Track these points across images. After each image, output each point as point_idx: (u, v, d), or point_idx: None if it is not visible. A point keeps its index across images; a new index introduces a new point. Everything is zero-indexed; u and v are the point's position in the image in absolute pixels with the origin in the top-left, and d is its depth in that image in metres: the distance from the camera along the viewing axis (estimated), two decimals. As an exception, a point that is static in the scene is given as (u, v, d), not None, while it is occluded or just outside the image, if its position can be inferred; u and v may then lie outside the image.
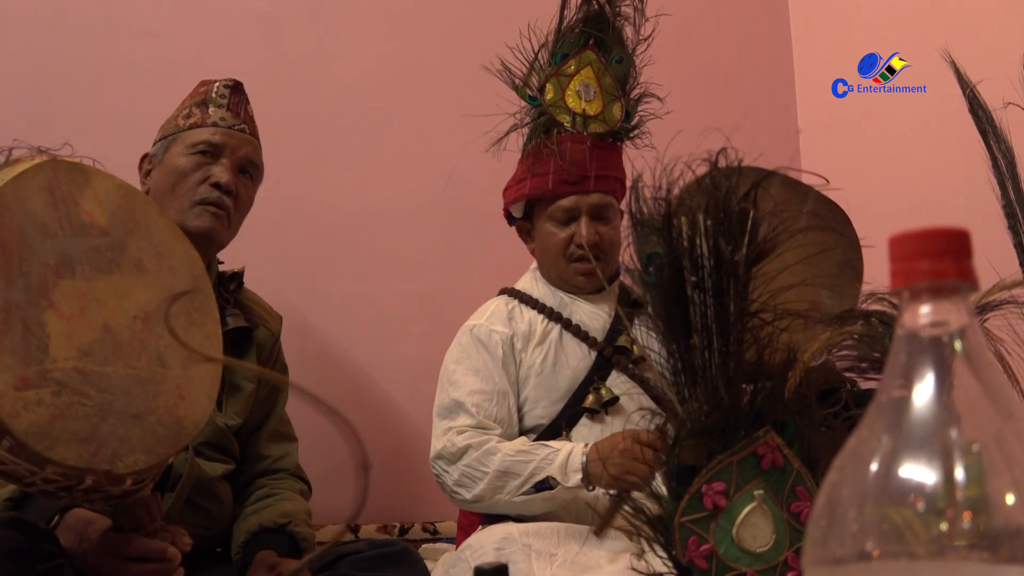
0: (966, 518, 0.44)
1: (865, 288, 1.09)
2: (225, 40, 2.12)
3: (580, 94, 1.73)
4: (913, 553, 0.44)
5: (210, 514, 1.50)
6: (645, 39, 1.76)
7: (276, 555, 1.43)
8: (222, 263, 1.63)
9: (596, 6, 1.75)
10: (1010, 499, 0.44)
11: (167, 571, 1.14)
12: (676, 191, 0.87)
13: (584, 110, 1.72)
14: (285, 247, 2.06)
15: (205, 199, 1.49)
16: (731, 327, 0.83)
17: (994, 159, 1.31)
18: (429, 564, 1.56)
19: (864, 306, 1.14)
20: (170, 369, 1.10)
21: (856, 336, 1.04)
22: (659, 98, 1.77)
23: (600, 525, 1.43)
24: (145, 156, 1.59)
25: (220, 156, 1.53)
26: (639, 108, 1.78)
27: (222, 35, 2.12)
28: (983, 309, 1.14)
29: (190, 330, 1.15)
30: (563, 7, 1.75)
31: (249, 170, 1.57)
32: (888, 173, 2.23)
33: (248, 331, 1.60)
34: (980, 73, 1.39)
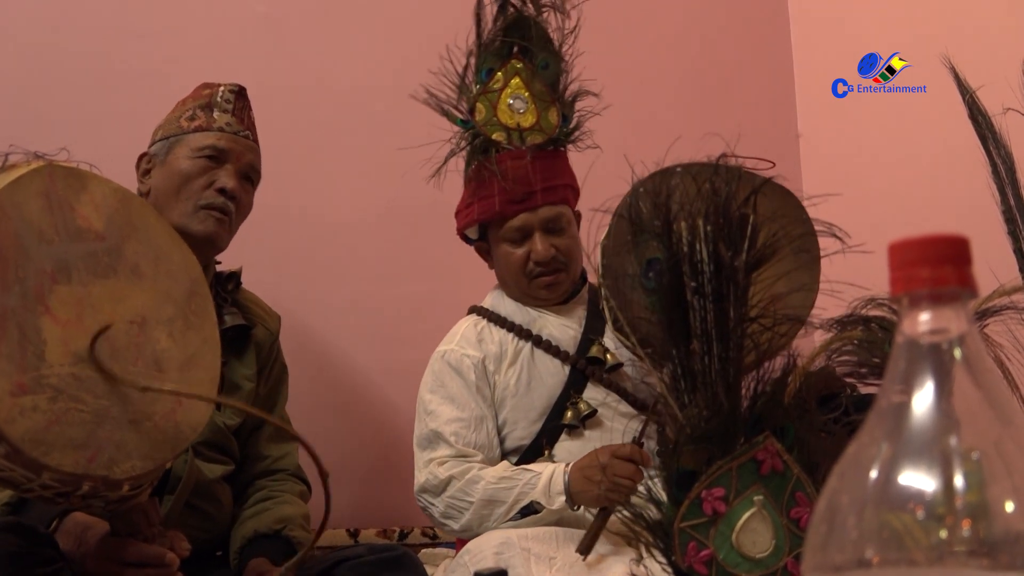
0: (966, 525, 0.44)
1: (865, 294, 1.09)
2: (225, 44, 2.12)
3: (512, 107, 1.70)
4: (913, 560, 0.44)
5: (210, 517, 1.49)
6: (571, 31, 1.71)
7: (268, 562, 1.43)
8: (219, 263, 1.63)
9: (513, 11, 1.71)
10: (1009, 506, 0.44)
11: (166, 576, 1.14)
12: (676, 196, 0.87)
13: (519, 123, 1.69)
14: (283, 250, 2.06)
15: (210, 204, 1.50)
16: (731, 332, 0.83)
17: (994, 165, 1.31)
18: (429, 569, 1.56)
19: (864, 311, 1.14)
20: (167, 373, 1.10)
21: (856, 341, 1.04)
22: (594, 94, 1.73)
23: (585, 543, 1.43)
24: (144, 155, 1.58)
25: (225, 161, 1.53)
26: (576, 108, 1.74)
27: (222, 39, 2.12)
28: (983, 315, 1.14)
29: (188, 334, 1.15)
30: (478, 21, 1.71)
31: (251, 176, 1.58)
32: (887, 178, 2.23)
33: (246, 329, 1.60)
34: (980, 78, 1.39)
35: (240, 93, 1.60)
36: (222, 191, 1.51)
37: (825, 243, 1.06)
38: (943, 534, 0.44)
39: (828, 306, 1.11)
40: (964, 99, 1.35)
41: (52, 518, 1.23)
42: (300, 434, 1.66)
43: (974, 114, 1.34)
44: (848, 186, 1.72)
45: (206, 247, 1.50)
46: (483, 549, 1.49)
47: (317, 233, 2.13)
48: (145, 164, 1.57)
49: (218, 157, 1.53)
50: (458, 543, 1.72)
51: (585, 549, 1.43)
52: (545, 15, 1.75)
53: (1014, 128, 1.33)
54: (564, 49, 1.75)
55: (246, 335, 1.60)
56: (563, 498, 1.54)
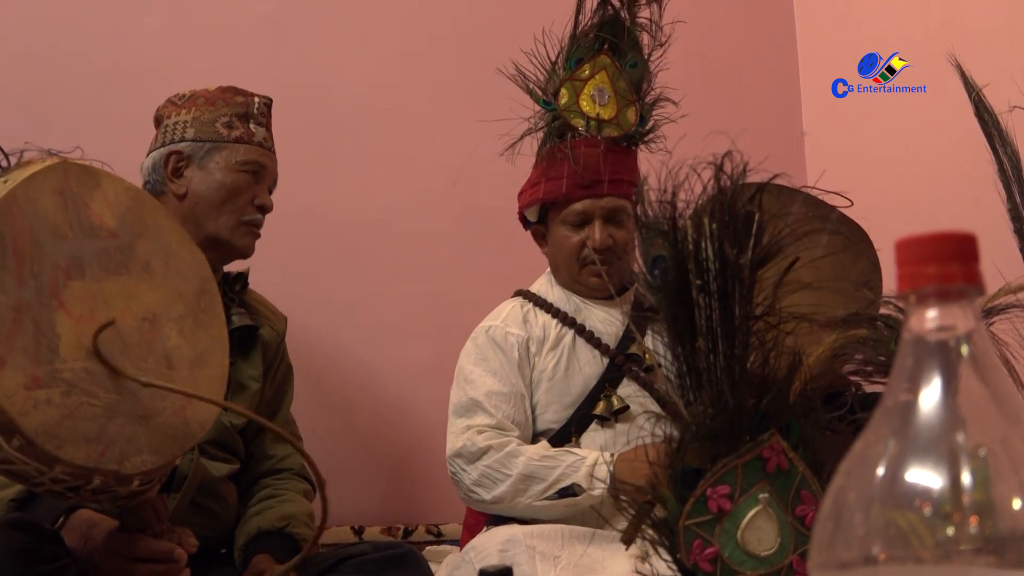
0: (972, 522, 0.44)
1: (870, 291, 1.09)
2: (233, 43, 2.12)
3: (594, 98, 1.73)
4: (919, 557, 0.44)
5: (215, 515, 1.50)
6: (661, 45, 1.77)
7: (271, 559, 1.43)
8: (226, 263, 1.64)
9: (611, 11, 1.76)
10: (1016, 503, 0.44)
11: (174, 572, 1.14)
12: (682, 194, 0.87)
13: (598, 114, 1.72)
14: (292, 249, 2.07)
15: (252, 221, 1.56)
16: (736, 330, 0.83)
17: (1000, 163, 1.30)
18: (433, 566, 1.56)
19: (869, 309, 1.14)
20: (177, 371, 1.11)
21: (862, 340, 1.04)
22: (674, 102, 1.78)
23: (628, 535, 1.43)
24: (175, 152, 1.55)
25: (260, 177, 1.58)
26: (653, 112, 1.78)
27: (230, 38, 2.13)
28: (989, 313, 1.14)
29: (197, 332, 1.15)
30: (578, 11, 1.75)
31: (272, 189, 1.63)
32: (894, 176, 2.23)
33: (253, 330, 1.61)
34: (985, 76, 1.38)
35: (270, 106, 1.63)
36: (261, 208, 1.57)
37: (829, 240, 1.06)
38: (950, 532, 0.44)
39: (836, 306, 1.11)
40: (970, 96, 1.35)
41: (58, 515, 1.23)
42: (301, 439, 1.68)
43: (980, 112, 1.34)
44: (853, 184, 1.71)
45: (238, 257, 1.58)
46: (488, 547, 1.49)
47: (322, 233, 2.13)
48: (176, 162, 1.55)
49: (258, 173, 1.57)
50: (462, 540, 1.72)
51: (628, 540, 1.44)
52: (639, 28, 1.78)
53: (1020, 126, 1.33)
54: (651, 57, 1.78)
55: (253, 335, 1.61)
56: (604, 485, 1.54)
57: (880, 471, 0.46)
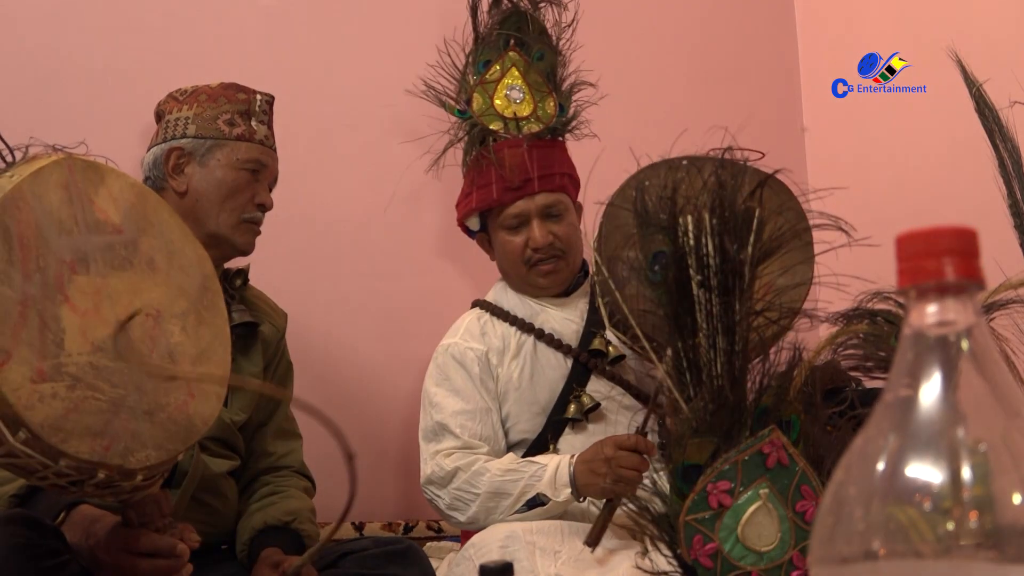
0: (972, 517, 0.44)
1: (871, 287, 1.09)
2: (233, 38, 2.12)
3: (509, 97, 1.72)
4: (920, 552, 0.44)
5: (215, 511, 1.50)
6: (568, 25, 1.75)
7: (280, 552, 1.43)
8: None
9: (509, 4, 1.74)
10: (1017, 498, 0.44)
11: (176, 567, 1.14)
12: (681, 189, 0.87)
13: (515, 113, 1.72)
14: (292, 246, 2.06)
15: (252, 218, 1.56)
16: (736, 326, 0.83)
17: (1000, 158, 1.31)
18: (434, 562, 1.56)
19: (869, 305, 1.14)
20: (181, 367, 1.11)
21: (862, 335, 1.05)
22: (591, 84, 1.76)
23: (592, 536, 1.44)
24: (176, 149, 1.55)
25: (261, 175, 1.58)
26: (573, 99, 1.77)
27: (230, 33, 2.12)
28: (989, 308, 1.14)
29: (200, 329, 1.16)
30: (474, 14, 1.74)
31: (273, 187, 1.63)
32: (894, 172, 2.23)
33: (254, 327, 1.61)
34: (986, 72, 1.38)
35: (272, 103, 1.63)
36: (261, 206, 1.57)
37: (831, 236, 1.06)
38: (950, 526, 0.44)
39: (834, 300, 1.11)
40: (971, 92, 1.35)
41: (59, 510, 1.23)
42: (301, 436, 1.69)
43: (981, 108, 1.34)
44: (853, 180, 1.72)
45: (238, 255, 1.58)
46: (488, 542, 1.49)
47: (322, 230, 2.13)
48: (177, 159, 1.55)
49: (258, 171, 1.57)
50: (463, 536, 1.72)
51: (593, 541, 1.44)
52: (542, 8, 1.77)
53: (1021, 122, 1.33)
54: (561, 42, 1.77)
55: (253, 332, 1.61)
56: (569, 490, 1.54)
57: (880, 466, 0.46)
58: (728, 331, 0.83)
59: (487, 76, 1.73)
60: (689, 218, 0.85)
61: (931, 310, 0.47)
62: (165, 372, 1.05)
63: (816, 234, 0.98)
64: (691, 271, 0.84)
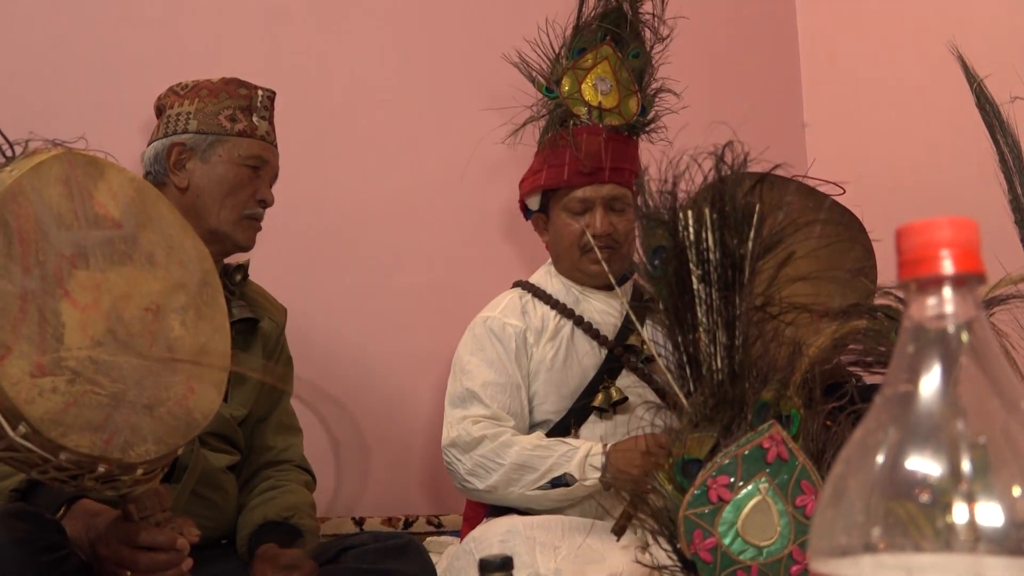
0: (972, 510, 0.44)
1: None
2: (234, 31, 2.11)
3: (597, 87, 1.75)
4: (919, 545, 0.44)
5: (215, 505, 1.50)
6: (663, 39, 1.79)
7: (278, 547, 1.43)
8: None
9: (615, 2, 1.77)
10: (1016, 491, 0.44)
11: (176, 561, 1.14)
12: (682, 184, 0.87)
13: (600, 103, 1.74)
14: (292, 241, 2.06)
15: (254, 215, 1.56)
16: (737, 320, 0.83)
17: (1001, 153, 1.30)
18: (434, 557, 1.56)
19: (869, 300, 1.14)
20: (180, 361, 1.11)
21: (862, 331, 1.04)
22: (675, 93, 1.80)
23: (618, 525, 1.44)
24: (177, 144, 1.54)
25: (262, 171, 1.58)
26: (655, 103, 1.80)
27: (231, 27, 2.12)
28: (989, 303, 1.14)
29: (199, 324, 1.16)
30: (582, 2, 1.77)
31: (273, 182, 1.63)
32: (894, 167, 2.23)
33: (254, 322, 1.61)
34: (987, 67, 1.38)
35: (273, 99, 1.63)
36: (262, 202, 1.57)
37: (824, 230, 1.06)
38: (949, 519, 0.44)
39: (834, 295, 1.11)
40: (972, 87, 1.34)
41: (59, 505, 1.23)
42: (301, 431, 1.69)
43: (981, 102, 1.34)
44: (854, 175, 1.72)
45: (239, 251, 1.57)
46: (488, 537, 1.50)
47: (322, 225, 2.13)
48: (179, 154, 1.54)
49: (259, 167, 1.57)
50: (462, 532, 1.73)
51: (619, 531, 1.44)
52: (641, 23, 1.81)
53: (1021, 116, 1.33)
54: (652, 50, 1.80)
55: (253, 328, 1.61)
56: (597, 475, 1.55)
57: (880, 459, 0.46)
58: (728, 326, 0.83)
59: (580, 63, 1.75)
60: (690, 213, 0.85)
61: (931, 303, 0.47)
62: (166, 357, 1.05)
63: (810, 229, 0.98)
64: (691, 266, 0.84)
